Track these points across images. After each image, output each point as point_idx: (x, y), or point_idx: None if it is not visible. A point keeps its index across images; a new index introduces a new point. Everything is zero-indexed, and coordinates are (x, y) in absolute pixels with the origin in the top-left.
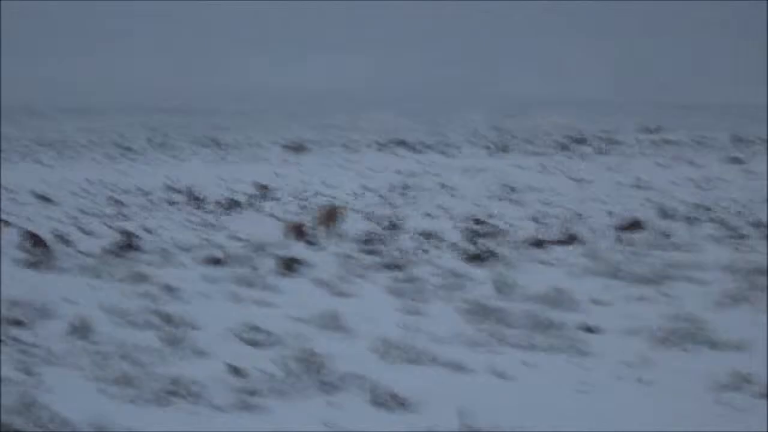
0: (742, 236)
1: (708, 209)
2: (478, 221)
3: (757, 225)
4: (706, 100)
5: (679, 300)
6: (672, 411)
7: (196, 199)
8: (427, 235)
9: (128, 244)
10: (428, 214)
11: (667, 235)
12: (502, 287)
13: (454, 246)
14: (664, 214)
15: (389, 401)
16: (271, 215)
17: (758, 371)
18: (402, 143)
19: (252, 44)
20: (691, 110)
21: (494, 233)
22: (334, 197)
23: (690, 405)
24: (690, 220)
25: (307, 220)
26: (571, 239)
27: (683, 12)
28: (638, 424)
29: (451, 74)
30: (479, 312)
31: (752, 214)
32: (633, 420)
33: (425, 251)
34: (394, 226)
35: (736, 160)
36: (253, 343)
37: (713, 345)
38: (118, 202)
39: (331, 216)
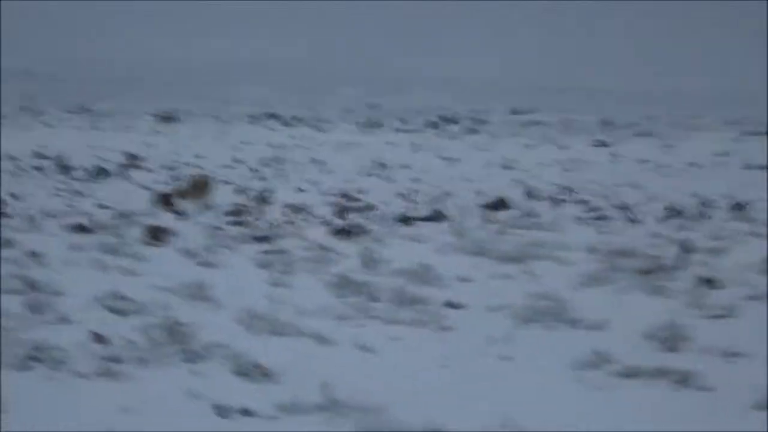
0: (605, 218)
1: (573, 191)
2: (347, 196)
3: (621, 207)
4: (579, 84)
5: (542, 279)
6: (532, 387)
7: (64, 167)
8: (297, 209)
9: None
10: (298, 188)
11: (532, 215)
12: (368, 262)
13: (323, 220)
14: (530, 194)
15: (253, 371)
16: (140, 185)
17: (617, 350)
18: (274, 116)
19: (128, 13)
20: (564, 93)
21: (363, 208)
22: (205, 168)
23: (550, 381)
24: (555, 201)
25: (176, 190)
26: (438, 216)
27: None
28: (499, 398)
29: (329, 51)
30: (346, 286)
31: (616, 196)
32: (493, 394)
33: (294, 224)
34: (263, 199)
35: (603, 143)
36: (118, 311)
37: (574, 324)
38: None
39: (200, 186)
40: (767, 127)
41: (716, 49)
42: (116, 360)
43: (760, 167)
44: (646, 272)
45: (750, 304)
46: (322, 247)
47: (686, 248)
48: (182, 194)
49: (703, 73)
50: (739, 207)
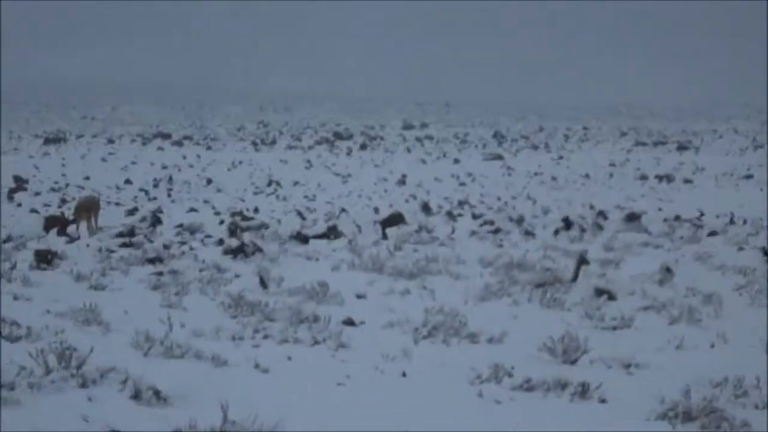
0: (500, 231)
1: (470, 205)
2: (242, 215)
3: (517, 221)
4: (471, 98)
5: (439, 294)
6: (431, 403)
7: None
8: (191, 229)
9: None
10: (192, 208)
11: (429, 230)
12: (264, 281)
13: (217, 240)
14: (427, 209)
15: (150, 396)
16: (31, 208)
17: (517, 364)
18: (166, 136)
19: (14, 35)
20: (454, 108)
21: (258, 227)
22: (96, 190)
23: (449, 397)
24: (452, 216)
25: (64, 213)
26: (335, 234)
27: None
28: (398, 416)
29: (212, 68)
30: (241, 306)
31: (513, 209)
32: (393, 412)
33: (187, 245)
34: (155, 220)
35: (498, 157)
36: (10, 338)
37: (472, 338)
38: None
39: (88, 208)
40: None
41: (607, 59)
42: (9, 387)
43: (656, 177)
44: (542, 285)
45: (646, 315)
46: (217, 267)
47: (582, 260)
48: (73, 217)
49: (595, 84)
50: (632, 218)
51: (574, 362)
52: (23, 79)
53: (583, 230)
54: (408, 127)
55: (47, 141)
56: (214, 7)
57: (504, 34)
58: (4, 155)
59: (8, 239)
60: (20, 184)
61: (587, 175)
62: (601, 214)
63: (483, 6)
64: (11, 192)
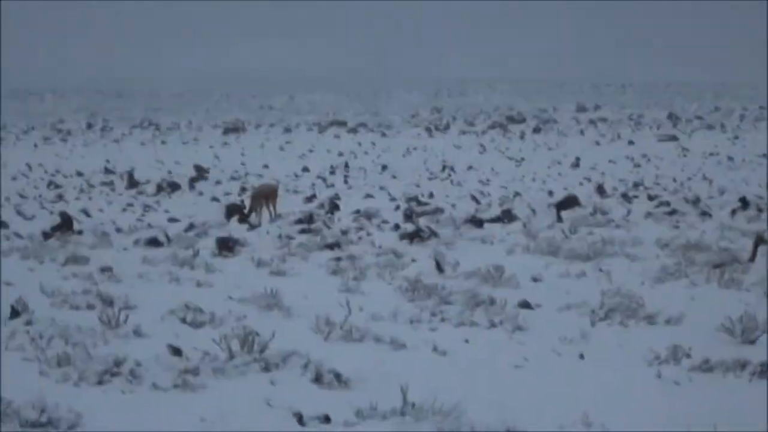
0: (676, 212)
1: (645, 186)
2: (417, 200)
3: (693, 201)
4: (642, 79)
5: (615, 276)
6: (610, 385)
7: (135, 182)
8: (367, 215)
9: (68, 227)
10: (368, 195)
11: (603, 212)
12: (441, 265)
13: (392, 225)
14: (601, 191)
15: (331, 379)
16: (212, 197)
17: (695, 344)
18: (342, 124)
19: (188, 29)
20: (627, 89)
21: (433, 212)
22: (274, 178)
23: (627, 378)
24: (627, 198)
25: (246, 201)
26: (508, 217)
27: None
28: (577, 398)
29: (388, 56)
30: (418, 289)
31: (688, 190)
32: (572, 395)
33: (364, 230)
34: (332, 206)
35: (672, 138)
36: (194, 324)
37: (649, 319)
38: (58, 186)
39: (266, 195)
40: None
41: None
42: (193, 372)
43: None
44: (720, 265)
45: None
46: (394, 252)
47: (759, 240)
48: (251, 205)
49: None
50: None
51: (753, 342)
52: (207, 71)
53: (760, 210)
54: (581, 109)
55: (226, 131)
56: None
57: (682, 9)
58: (185, 145)
59: (191, 227)
60: (201, 173)
61: (764, 155)
62: None
63: None
64: (192, 181)
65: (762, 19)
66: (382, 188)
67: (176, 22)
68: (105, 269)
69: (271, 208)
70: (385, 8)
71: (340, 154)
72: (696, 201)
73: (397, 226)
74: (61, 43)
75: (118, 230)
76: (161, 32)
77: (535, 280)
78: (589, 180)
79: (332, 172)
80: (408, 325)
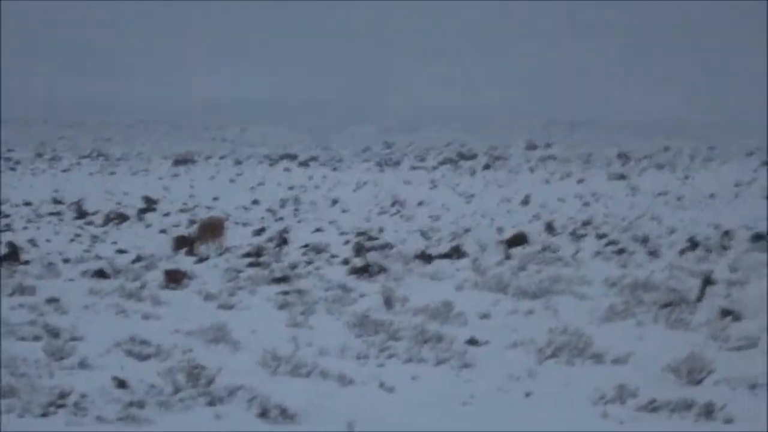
0: (625, 251)
1: (594, 225)
2: (367, 235)
3: (641, 241)
4: (593, 118)
5: (563, 314)
6: (556, 423)
7: (83, 213)
8: (317, 249)
9: (15, 257)
10: (317, 229)
11: (551, 250)
12: (389, 300)
13: (341, 259)
14: (550, 229)
15: (277, 414)
16: (160, 229)
17: (641, 384)
18: (292, 157)
19: (136, 57)
20: (577, 127)
21: (383, 247)
22: (222, 210)
23: (574, 417)
24: (576, 236)
25: (192, 233)
26: (457, 253)
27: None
28: None
29: (340, 89)
30: (366, 325)
31: (637, 229)
32: (517, 431)
33: (313, 264)
34: (281, 240)
35: (622, 177)
36: (140, 357)
37: (596, 358)
38: (5, 215)
39: (214, 228)
40: None
41: (732, 80)
42: (139, 405)
43: None
44: (667, 305)
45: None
46: (342, 287)
47: (707, 281)
48: (198, 237)
49: (719, 104)
50: (759, 237)
51: (699, 383)
52: (159, 101)
53: (708, 250)
54: (532, 147)
55: (177, 162)
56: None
57: (639, 45)
58: (134, 176)
59: (138, 259)
60: (150, 204)
61: (713, 195)
62: (727, 234)
63: (612, 16)
64: (141, 212)
65: (716, 58)
66: (331, 222)
67: (129, 53)
68: (52, 300)
69: (216, 239)
70: (335, 45)
71: (291, 188)
72: (645, 240)
73: (346, 261)
74: (9, 72)
75: (66, 261)
76: (114, 62)
77: (483, 316)
78: (538, 217)
79: (282, 206)
80: (356, 361)
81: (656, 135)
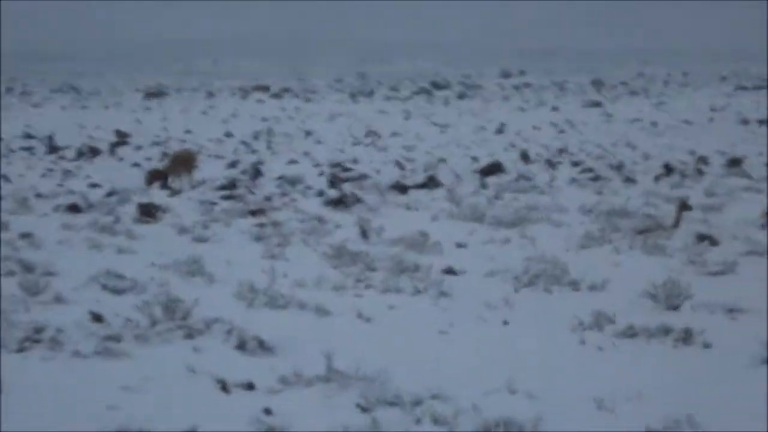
0: (601, 178)
1: (569, 152)
2: (341, 167)
3: (616, 168)
4: (567, 45)
5: (540, 242)
6: (534, 350)
7: (55, 147)
8: (291, 181)
9: None
10: (292, 160)
11: (527, 178)
12: (365, 231)
13: (316, 191)
14: (525, 157)
15: (254, 346)
16: (133, 163)
17: (619, 311)
18: (265, 89)
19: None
20: (552, 55)
21: (358, 178)
22: (195, 144)
23: (552, 344)
24: (551, 164)
25: (165, 166)
26: (433, 183)
27: None
28: (502, 364)
29: (313, 21)
30: (342, 256)
31: (612, 156)
32: (497, 361)
33: (288, 196)
34: (255, 172)
35: (596, 104)
36: (116, 291)
37: (573, 285)
38: None
39: (185, 161)
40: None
41: (708, 5)
42: (115, 339)
43: (757, 121)
44: (643, 231)
45: (749, 260)
46: (317, 219)
47: (683, 206)
48: (170, 170)
49: (694, 29)
50: (734, 163)
51: (676, 308)
52: (131, 40)
53: (684, 176)
54: (506, 75)
55: (148, 95)
56: None
57: None
58: (106, 110)
59: (112, 193)
60: (122, 138)
61: (687, 121)
62: (702, 159)
63: None
64: (113, 146)
65: None
66: (306, 154)
67: None
68: (25, 235)
69: (188, 173)
70: None
71: (264, 120)
72: (620, 167)
73: (321, 193)
74: None
75: (38, 196)
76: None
77: (459, 246)
78: (513, 146)
79: (255, 138)
80: (333, 292)
81: (629, 61)
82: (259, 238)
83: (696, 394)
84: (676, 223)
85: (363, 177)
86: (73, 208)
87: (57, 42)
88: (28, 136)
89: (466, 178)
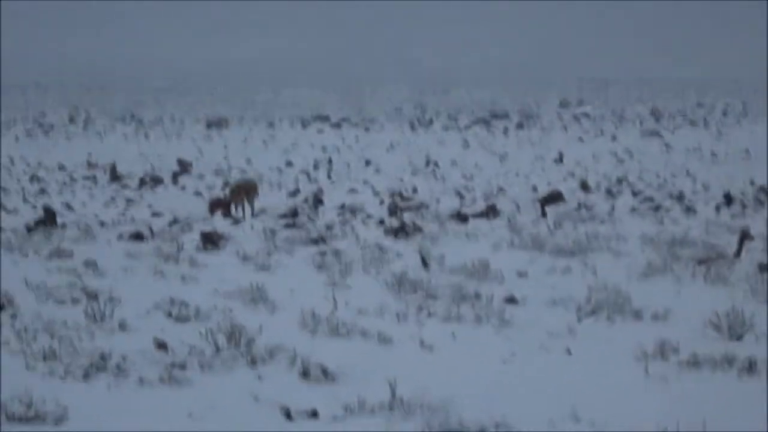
0: (661, 208)
1: (629, 182)
2: (401, 195)
3: (677, 197)
4: (625, 75)
5: (601, 271)
6: (597, 380)
7: (117, 176)
8: (352, 210)
9: (51, 221)
10: (352, 189)
11: (587, 208)
12: (426, 260)
13: (377, 220)
14: (585, 186)
15: (318, 374)
16: (195, 191)
17: (682, 340)
18: (325, 119)
19: (171, 19)
20: (610, 84)
21: (417, 207)
22: (258, 173)
23: (615, 373)
24: (611, 193)
25: (226, 195)
26: (494, 213)
27: None
28: (565, 393)
29: (373, 50)
30: (403, 284)
31: (672, 186)
32: (560, 390)
33: (349, 225)
34: (318, 201)
35: (655, 134)
36: (179, 318)
37: (636, 315)
38: (40, 179)
39: (247, 190)
40: None
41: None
42: (180, 366)
43: None
44: (705, 261)
45: None
46: (378, 247)
47: (745, 235)
48: (232, 199)
49: (752, 59)
50: None
51: (740, 338)
52: (192, 66)
53: (744, 206)
54: (564, 104)
55: (209, 125)
56: None
57: (665, 5)
58: (168, 139)
59: (174, 221)
60: (184, 167)
61: (747, 151)
62: (763, 189)
63: None
64: (176, 175)
65: (745, 17)
66: (365, 183)
67: (161, 17)
68: (89, 263)
69: (249, 201)
70: (368, 6)
71: (324, 149)
72: (680, 197)
73: (381, 221)
74: (43, 36)
75: (102, 224)
76: (144, 26)
77: (520, 275)
78: (573, 175)
79: (316, 167)
80: (394, 320)
81: (688, 91)
82: (320, 267)
83: (761, 425)
84: (738, 253)
85: (423, 206)
86: (137, 236)
87: (118, 72)
88: (91, 165)
89: (525, 207)
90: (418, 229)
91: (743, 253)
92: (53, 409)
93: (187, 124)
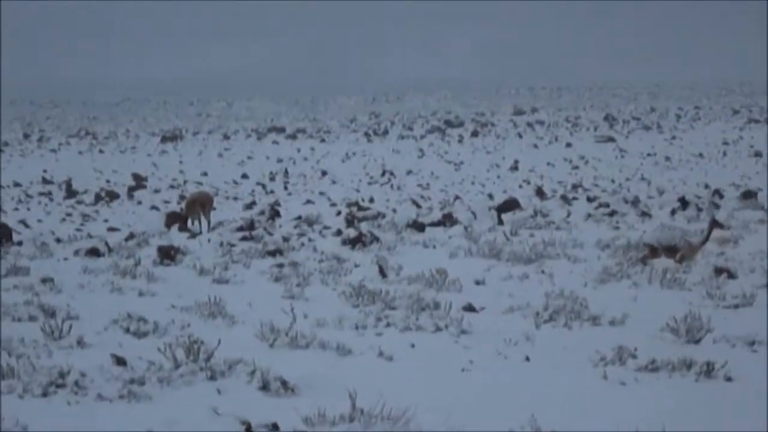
0: (618, 213)
1: (584, 188)
2: (358, 205)
3: (632, 202)
4: (579, 82)
5: (558, 278)
6: (556, 386)
7: (73, 192)
8: (308, 221)
9: (7, 238)
10: (308, 200)
11: (544, 214)
12: (384, 270)
13: (335, 231)
14: (541, 193)
15: (278, 386)
16: (151, 205)
17: (640, 345)
18: (281, 130)
19: (120, 34)
20: (563, 91)
21: (374, 217)
22: (214, 186)
23: (573, 380)
24: (566, 199)
25: (182, 209)
26: (451, 221)
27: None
28: (525, 400)
29: (325, 60)
30: (361, 295)
31: (627, 191)
32: (519, 397)
33: (306, 236)
34: (274, 213)
35: (609, 139)
36: (138, 333)
37: (595, 321)
38: None
39: (203, 203)
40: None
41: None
42: (139, 382)
43: None
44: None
45: (766, 292)
46: (336, 258)
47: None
48: (187, 213)
49: (703, 64)
50: (748, 195)
51: (697, 342)
52: (144, 78)
53: (699, 209)
54: (518, 112)
55: (164, 139)
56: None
57: (612, 12)
58: (123, 154)
59: (131, 236)
60: (140, 182)
61: (701, 155)
62: (717, 192)
63: None
64: (131, 190)
65: (696, 18)
66: (322, 194)
67: (110, 30)
68: (46, 280)
69: (204, 214)
70: (320, 10)
71: (279, 161)
72: (635, 201)
73: (339, 232)
74: None
75: (58, 240)
76: (95, 41)
77: (478, 283)
78: (528, 182)
79: (272, 179)
80: (353, 331)
81: (641, 96)
82: (278, 279)
83: (719, 428)
84: (706, 240)
85: (379, 215)
86: (93, 252)
87: (71, 88)
88: (46, 182)
89: (482, 215)
90: (375, 239)
91: (698, 258)
92: (12, 427)
93: (142, 138)
